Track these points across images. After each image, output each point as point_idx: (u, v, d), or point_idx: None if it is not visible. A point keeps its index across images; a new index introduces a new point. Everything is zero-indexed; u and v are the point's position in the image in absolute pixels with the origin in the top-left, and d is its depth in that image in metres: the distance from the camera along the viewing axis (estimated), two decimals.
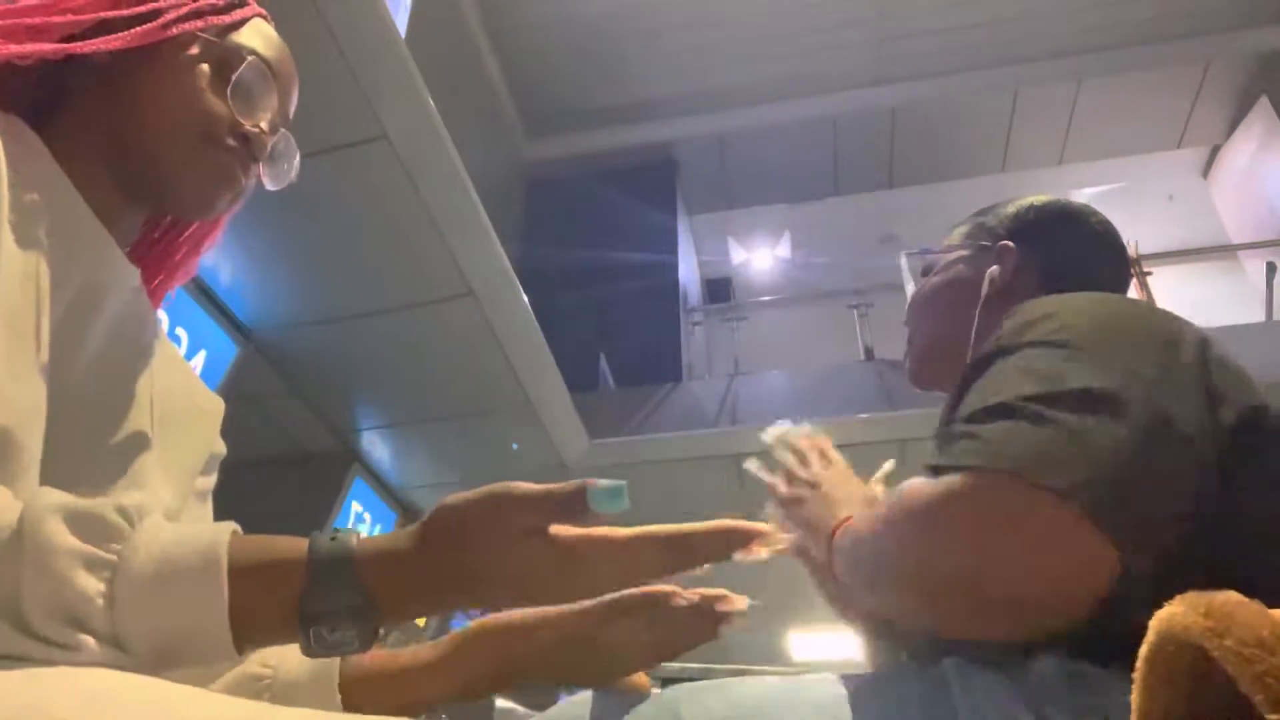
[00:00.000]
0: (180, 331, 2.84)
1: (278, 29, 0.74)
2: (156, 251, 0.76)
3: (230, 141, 0.67)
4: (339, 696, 0.62)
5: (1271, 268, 5.13)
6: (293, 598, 0.47)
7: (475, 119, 5.57)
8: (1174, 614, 0.33)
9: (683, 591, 0.66)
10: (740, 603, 0.66)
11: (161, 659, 0.45)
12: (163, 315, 2.76)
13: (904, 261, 1.08)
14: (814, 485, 0.83)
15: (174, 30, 0.64)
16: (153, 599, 0.45)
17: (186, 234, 0.77)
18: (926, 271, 1.04)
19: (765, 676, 0.67)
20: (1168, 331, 0.67)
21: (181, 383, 0.74)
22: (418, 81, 2.63)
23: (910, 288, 1.06)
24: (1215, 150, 6.98)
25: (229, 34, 0.68)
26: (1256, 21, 5.78)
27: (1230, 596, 0.33)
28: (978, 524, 0.57)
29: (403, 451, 4.02)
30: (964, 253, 0.99)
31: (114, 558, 0.45)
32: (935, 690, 0.60)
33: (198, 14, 0.66)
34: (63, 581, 0.43)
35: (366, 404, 3.75)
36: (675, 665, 0.69)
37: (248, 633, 0.47)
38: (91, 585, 0.44)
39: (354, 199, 2.81)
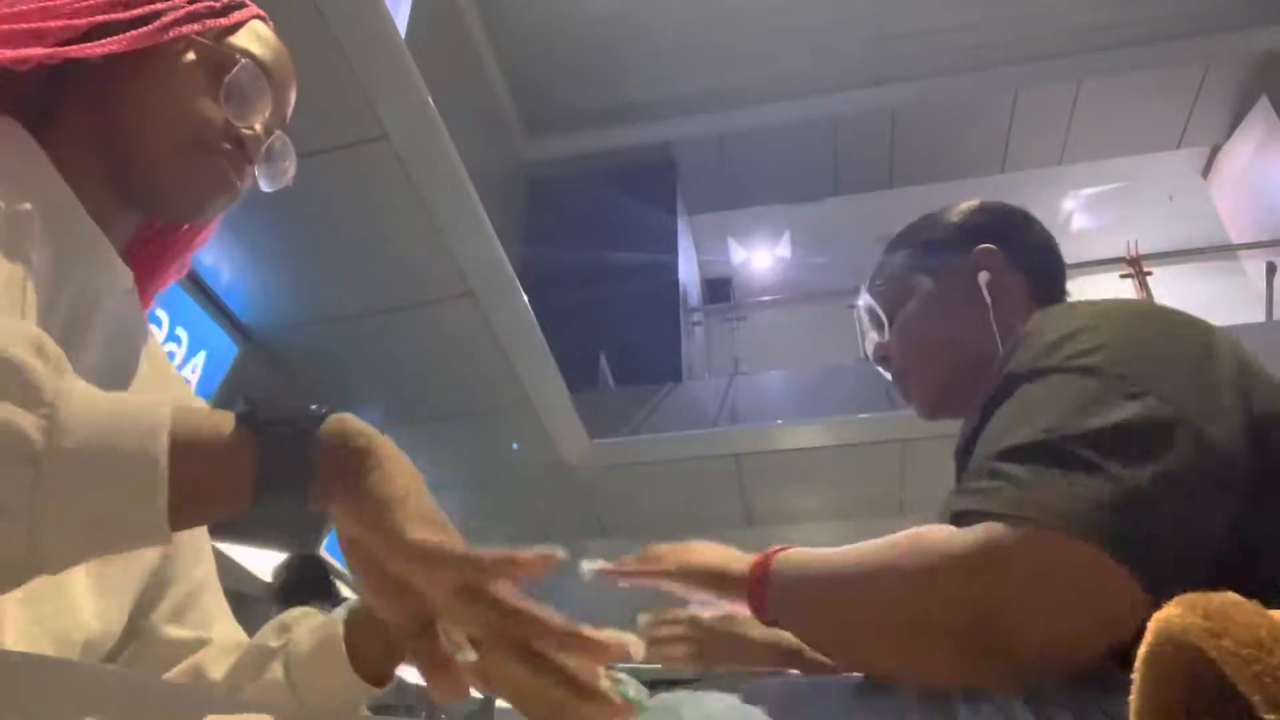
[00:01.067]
0: (180, 331, 2.84)
1: (278, 30, 0.74)
2: (150, 252, 0.76)
3: (224, 145, 0.67)
4: (344, 649, 0.63)
5: (1271, 268, 5.14)
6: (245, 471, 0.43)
7: (475, 119, 5.56)
8: (1171, 615, 0.33)
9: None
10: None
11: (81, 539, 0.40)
12: (163, 315, 2.75)
13: (862, 302, 0.98)
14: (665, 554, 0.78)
15: (170, 34, 0.64)
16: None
17: (179, 234, 0.77)
18: (891, 304, 0.95)
19: (767, 679, 0.67)
20: (1203, 342, 0.65)
21: (171, 383, 0.74)
22: (418, 81, 2.63)
23: (870, 332, 0.97)
24: (1215, 150, 6.97)
25: (226, 37, 0.68)
26: (1256, 21, 5.77)
27: (1227, 597, 0.33)
28: (1020, 577, 0.55)
29: (403, 451, 4.01)
30: (936, 274, 0.92)
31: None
32: (935, 691, 0.60)
33: (194, 17, 0.66)
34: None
35: (366, 404, 3.75)
36: (671, 665, 0.69)
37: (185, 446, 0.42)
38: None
39: (354, 199, 2.81)
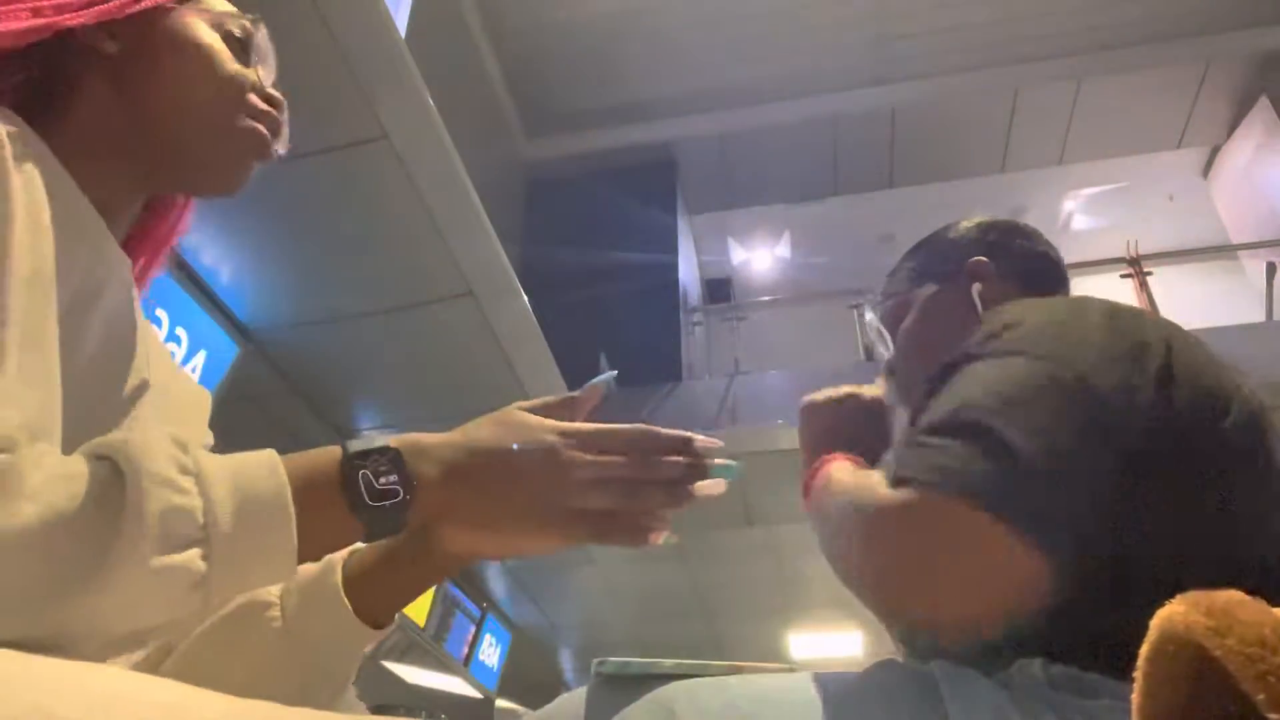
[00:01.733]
0: (180, 331, 2.84)
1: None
2: (148, 241, 0.76)
3: (260, 105, 0.69)
4: (344, 597, 0.64)
5: (1271, 268, 5.14)
6: (334, 459, 0.52)
7: (475, 119, 5.56)
8: (1175, 613, 0.33)
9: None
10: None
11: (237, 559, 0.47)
12: (162, 315, 2.75)
13: (869, 316, 1.09)
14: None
15: (145, 2, 0.65)
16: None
17: (171, 214, 0.78)
18: (895, 321, 1.03)
19: (761, 675, 0.67)
20: (1134, 334, 0.68)
21: (170, 373, 0.74)
22: (418, 81, 2.63)
23: (881, 340, 1.06)
24: (1215, 150, 6.97)
25: (195, 2, 0.69)
26: (1256, 21, 5.77)
27: (1231, 595, 0.33)
28: (920, 539, 0.60)
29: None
30: (934, 287, 0.99)
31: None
32: (925, 690, 0.60)
33: None
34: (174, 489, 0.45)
35: (366, 404, 3.75)
36: (669, 662, 0.69)
37: (306, 506, 0.49)
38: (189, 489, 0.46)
39: (354, 199, 2.81)
